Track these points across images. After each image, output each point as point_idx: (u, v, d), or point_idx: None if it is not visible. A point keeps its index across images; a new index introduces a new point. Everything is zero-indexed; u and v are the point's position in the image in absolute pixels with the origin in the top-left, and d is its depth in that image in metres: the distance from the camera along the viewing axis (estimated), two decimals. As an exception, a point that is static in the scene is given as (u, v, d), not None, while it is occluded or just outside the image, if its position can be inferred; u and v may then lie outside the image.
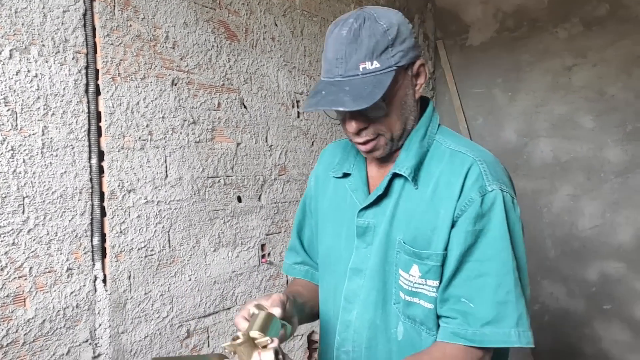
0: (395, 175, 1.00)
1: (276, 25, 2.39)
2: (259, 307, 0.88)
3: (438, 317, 0.96)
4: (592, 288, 3.25)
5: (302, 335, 2.57)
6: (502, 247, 0.91)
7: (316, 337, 2.68)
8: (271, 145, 2.37)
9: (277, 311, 0.89)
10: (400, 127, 0.98)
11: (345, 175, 1.11)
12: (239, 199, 2.21)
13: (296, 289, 1.22)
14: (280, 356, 0.82)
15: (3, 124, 1.45)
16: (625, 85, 3.07)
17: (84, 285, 1.65)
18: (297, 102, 2.52)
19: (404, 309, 0.98)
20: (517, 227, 0.95)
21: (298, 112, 2.52)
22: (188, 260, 1.99)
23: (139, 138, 1.80)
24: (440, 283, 0.94)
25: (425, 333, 0.97)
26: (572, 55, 3.23)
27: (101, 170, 1.70)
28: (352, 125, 0.95)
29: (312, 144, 2.61)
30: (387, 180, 1.00)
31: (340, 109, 0.88)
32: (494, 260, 0.91)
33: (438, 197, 0.95)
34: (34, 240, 1.53)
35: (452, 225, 0.92)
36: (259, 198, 2.31)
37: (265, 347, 0.81)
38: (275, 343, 0.82)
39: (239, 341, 0.81)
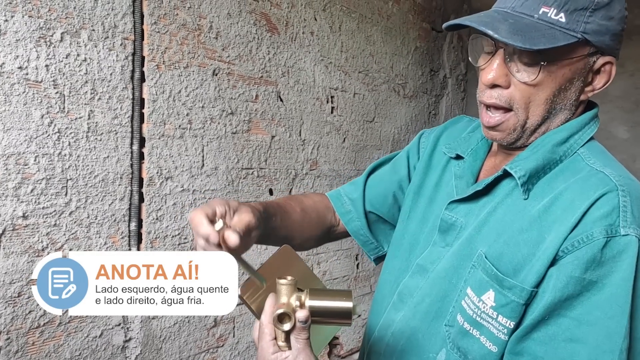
0: (507, 175, 0.80)
1: (316, 19, 2.38)
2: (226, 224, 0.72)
3: None
4: None
5: (324, 330, 2.57)
6: (615, 314, 0.65)
7: (338, 334, 2.69)
8: (304, 140, 2.37)
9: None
10: (542, 115, 0.77)
11: (458, 157, 0.93)
12: (271, 192, 2.21)
13: (282, 206, 0.98)
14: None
15: (51, 106, 1.47)
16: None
17: (120, 270, 1.66)
18: (332, 97, 2.51)
19: (457, 337, 0.77)
20: None
21: (332, 108, 2.52)
22: (219, 250, 2.00)
23: (179, 126, 1.81)
24: (516, 327, 0.72)
25: None
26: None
27: (141, 157, 1.71)
28: (490, 73, 0.76)
29: (344, 140, 2.60)
30: (493, 177, 0.81)
31: (489, 32, 0.70)
32: (597, 327, 0.66)
33: (550, 218, 0.72)
34: (74, 222, 1.55)
35: (553, 262, 0.70)
36: (290, 192, 2.31)
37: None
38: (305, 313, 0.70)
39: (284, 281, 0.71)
